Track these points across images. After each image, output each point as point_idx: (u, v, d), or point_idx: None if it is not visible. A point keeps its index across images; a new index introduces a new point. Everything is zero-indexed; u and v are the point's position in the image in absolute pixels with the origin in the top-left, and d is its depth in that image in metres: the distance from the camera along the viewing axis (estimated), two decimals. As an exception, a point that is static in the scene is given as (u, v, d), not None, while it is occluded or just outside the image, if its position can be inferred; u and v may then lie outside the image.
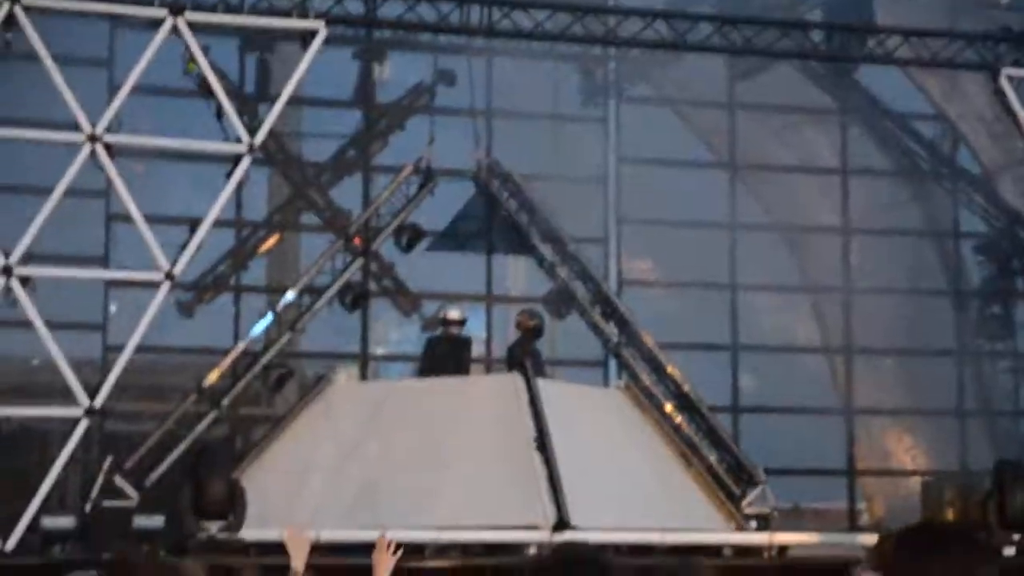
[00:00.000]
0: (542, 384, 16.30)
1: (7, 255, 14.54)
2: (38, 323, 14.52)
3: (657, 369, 18.73)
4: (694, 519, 16.58)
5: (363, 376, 20.26)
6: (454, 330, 17.54)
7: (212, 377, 17.59)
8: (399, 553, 8.14)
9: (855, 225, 22.33)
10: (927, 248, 22.72)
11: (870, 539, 17.03)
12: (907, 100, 22.40)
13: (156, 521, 14.43)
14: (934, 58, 17.83)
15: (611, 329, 19.23)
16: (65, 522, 14.89)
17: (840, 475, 21.56)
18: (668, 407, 18.26)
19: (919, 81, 22.09)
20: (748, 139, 22.19)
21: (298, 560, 7.94)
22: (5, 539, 13.91)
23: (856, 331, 21.98)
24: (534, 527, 14.81)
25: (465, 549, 14.73)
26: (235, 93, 18.74)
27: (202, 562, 9.32)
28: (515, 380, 16.21)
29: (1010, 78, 17.37)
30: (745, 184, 22.18)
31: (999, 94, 17.61)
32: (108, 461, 16.82)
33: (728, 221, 21.67)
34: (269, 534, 14.63)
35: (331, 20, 16.06)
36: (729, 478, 17.94)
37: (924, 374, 22.22)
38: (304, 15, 15.94)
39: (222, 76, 17.50)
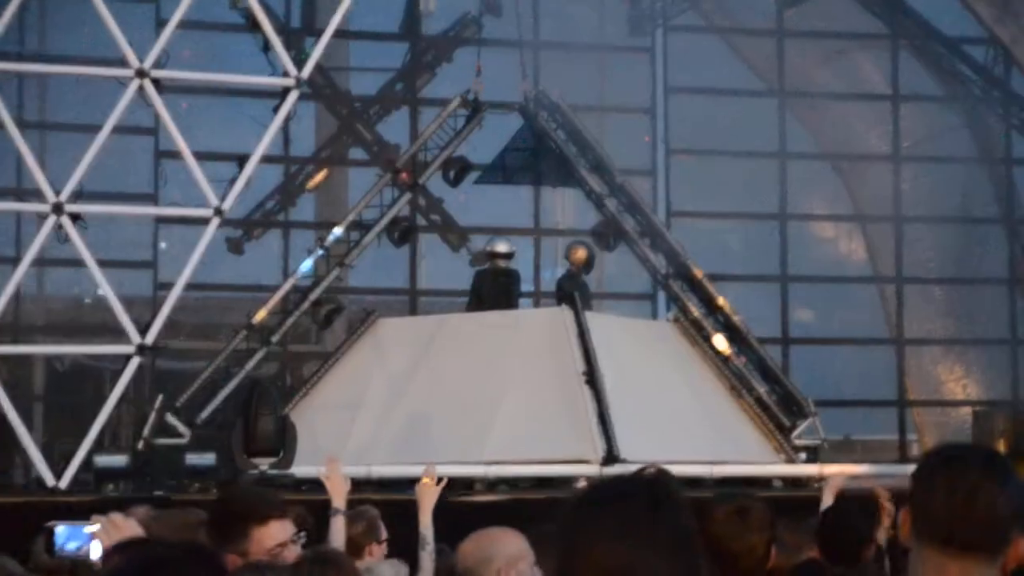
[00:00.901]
0: (591, 317, 16.28)
1: (58, 193, 14.58)
2: (89, 261, 14.57)
3: (706, 301, 18.66)
4: (744, 451, 16.58)
5: (412, 311, 20.29)
6: (502, 263, 17.50)
7: (261, 314, 17.65)
8: (442, 484, 8.17)
9: (906, 152, 22.12)
10: (979, 174, 22.48)
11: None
12: (958, 23, 22.09)
13: (208, 459, 14.52)
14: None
15: (660, 261, 19.16)
16: (118, 460, 15.01)
17: (891, 406, 21.48)
18: (717, 339, 18.20)
19: (970, 3, 21.77)
20: (796, 67, 21.97)
21: (339, 498, 7.97)
22: (59, 477, 14.04)
23: (907, 260, 21.82)
24: (584, 461, 14.85)
25: (514, 483, 14.79)
26: (281, 27, 18.70)
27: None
28: (564, 313, 16.20)
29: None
30: (794, 113, 21.98)
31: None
32: (160, 399, 16.96)
33: (777, 150, 21.52)
34: (320, 470, 14.73)
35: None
36: (779, 410, 17.91)
37: (976, 303, 22.06)
38: (349, -52, 15.84)
39: (268, 10, 17.43)
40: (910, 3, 21.76)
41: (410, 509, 8.55)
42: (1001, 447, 18.52)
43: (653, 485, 2.73)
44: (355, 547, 8.05)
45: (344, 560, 6.05)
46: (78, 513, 4.81)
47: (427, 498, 8.17)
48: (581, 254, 18.05)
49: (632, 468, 2.84)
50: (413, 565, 8.07)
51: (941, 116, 22.43)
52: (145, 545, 3.65)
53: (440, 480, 8.15)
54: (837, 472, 11.91)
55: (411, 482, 13.95)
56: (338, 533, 7.75)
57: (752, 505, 4.99)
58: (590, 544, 2.65)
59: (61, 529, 4.19)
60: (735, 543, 4.82)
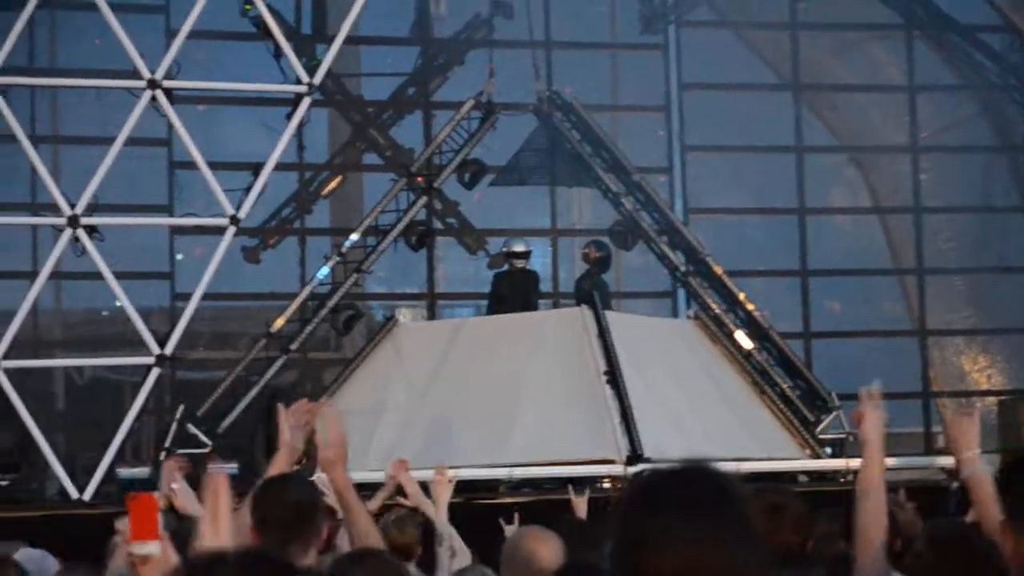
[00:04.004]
0: (611, 316, 16.20)
1: (73, 206, 14.56)
2: (106, 272, 14.57)
3: (727, 297, 18.57)
4: (768, 447, 16.48)
5: (430, 315, 20.22)
6: (519, 263, 17.43)
7: (280, 322, 17.61)
8: (454, 481, 8.27)
9: (923, 143, 22.00)
10: (997, 163, 22.35)
11: (947, 461, 16.89)
12: (972, 11, 21.97)
13: (231, 467, 14.47)
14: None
15: (679, 258, 19.07)
16: (140, 471, 15.00)
17: (915, 398, 21.36)
18: (739, 335, 18.12)
19: (985, -9, 21.68)
20: (811, 60, 21.87)
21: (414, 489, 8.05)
22: (82, 489, 14.02)
23: (927, 251, 21.70)
24: (608, 461, 14.77)
25: (539, 485, 14.71)
26: (292, 34, 18.66)
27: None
28: (583, 313, 16.12)
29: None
30: (809, 106, 21.88)
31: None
32: (180, 409, 16.92)
33: (794, 144, 21.42)
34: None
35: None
36: (803, 405, 17.82)
37: (998, 292, 21.93)
38: (359, -47, 15.79)
39: (279, 17, 17.40)
40: (924, -9, 21.67)
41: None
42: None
43: (717, 478, 2.69)
44: (407, 552, 8.03)
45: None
46: (102, 525, 4.75)
47: (442, 494, 8.20)
48: (597, 253, 17.98)
49: (663, 465, 2.79)
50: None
51: (958, 105, 22.31)
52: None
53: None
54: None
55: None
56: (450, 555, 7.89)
57: (787, 503, 4.88)
58: (662, 540, 2.61)
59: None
60: (769, 539, 4.74)
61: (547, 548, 5.48)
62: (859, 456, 14.57)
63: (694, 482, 2.68)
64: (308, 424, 5.51)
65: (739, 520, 2.65)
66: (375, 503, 8.58)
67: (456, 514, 9.43)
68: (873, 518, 4.67)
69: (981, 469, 4.59)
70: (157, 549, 3.84)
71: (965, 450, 4.59)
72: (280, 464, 5.41)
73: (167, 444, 16.35)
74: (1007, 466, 3.46)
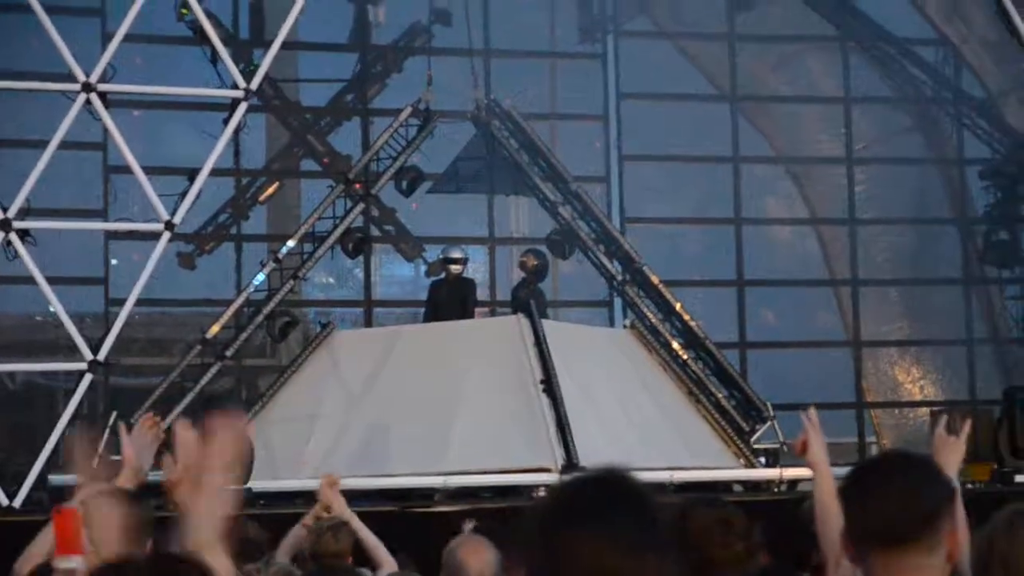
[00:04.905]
0: (547, 325, 16.21)
1: (5, 210, 14.42)
2: (39, 278, 14.44)
3: (663, 307, 18.63)
4: (703, 456, 16.54)
5: (367, 323, 20.17)
6: (455, 269, 17.41)
7: (215, 328, 17.50)
8: (338, 484, 8.40)
9: (858, 154, 22.16)
10: (931, 176, 22.54)
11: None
12: (908, 25, 22.16)
13: (164, 475, 14.34)
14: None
15: (615, 268, 19.12)
16: (72, 478, 14.82)
17: (849, 408, 21.49)
18: (675, 345, 18.18)
19: (919, 4, 21.85)
20: (749, 71, 21.98)
21: (340, 506, 8.07)
22: (12, 497, 13.87)
23: (862, 262, 21.85)
24: (544, 469, 14.77)
25: (475, 494, 14.70)
26: (229, 39, 18.57)
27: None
28: (520, 322, 16.12)
29: (1013, -1, 17.14)
30: (746, 117, 21.99)
31: (1001, 14, 17.38)
32: (113, 416, 16.76)
33: (731, 155, 21.52)
34: (277, 484, 14.61)
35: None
36: (738, 414, 17.90)
37: (931, 304, 22.11)
38: (296, -42, 15.74)
39: (216, 22, 17.32)
40: (859, 5, 21.81)
41: (366, 520, 8.51)
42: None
43: (629, 486, 2.69)
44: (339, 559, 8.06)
45: None
46: (33, 533, 4.70)
47: (334, 501, 8.27)
48: (534, 262, 18.00)
49: (574, 475, 2.80)
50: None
51: (893, 118, 22.49)
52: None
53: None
54: (803, 475, 11.93)
55: (369, 494, 13.91)
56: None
57: (734, 513, 4.97)
58: (575, 546, 2.60)
59: None
60: (720, 551, 4.79)
61: (478, 558, 5.57)
62: (793, 466, 14.57)
63: (606, 490, 2.68)
64: (156, 441, 5.28)
65: (651, 527, 2.65)
66: (309, 519, 8.60)
67: (391, 522, 9.42)
68: (835, 534, 4.80)
69: (954, 486, 4.66)
70: (82, 564, 3.80)
71: (946, 467, 4.67)
72: (124, 483, 5.14)
73: (99, 451, 16.18)
74: (852, 474, 3.58)
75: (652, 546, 2.63)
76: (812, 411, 5.08)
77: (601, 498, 2.66)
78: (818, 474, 5.00)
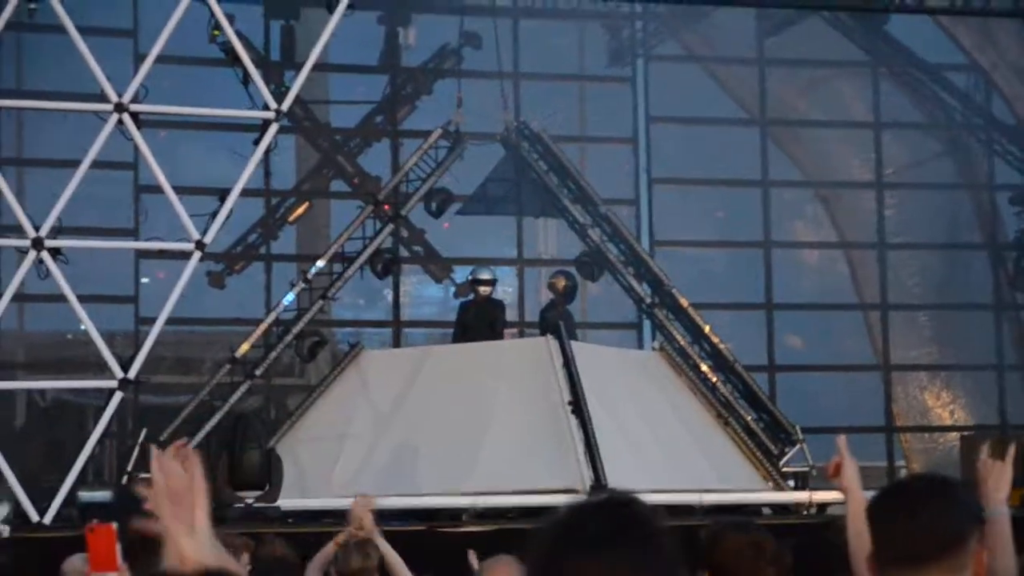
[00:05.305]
0: (576, 347, 16.20)
1: (37, 228, 14.49)
2: (70, 296, 14.46)
3: (692, 330, 18.60)
4: (732, 479, 16.49)
5: (395, 343, 20.19)
6: (484, 290, 17.41)
7: (244, 347, 17.54)
8: (372, 503, 8.40)
9: (888, 179, 22.13)
10: (962, 201, 22.49)
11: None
12: (939, 51, 22.14)
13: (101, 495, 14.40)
14: (966, 5, 17.58)
15: (644, 290, 19.10)
16: (102, 495, 14.88)
17: (878, 432, 21.42)
18: (704, 368, 18.14)
19: (951, 31, 21.82)
20: (778, 95, 21.99)
21: (370, 526, 8.09)
22: (43, 513, 13.90)
23: (892, 287, 21.81)
24: (571, 491, 14.74)
25: (502, 514, 14.68)
26: (261, 60, 18.66)
27: (237, 531, 9.31)
28: (549, 343, 16.11)
29: (1044, 25, 17.10)
30: (776, 141, 21.98)
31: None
32: (143, 434, 16.82)
33: (760, 179, 21.51)
34: (306, 503, 14.63)
35: (356, -16, 15.89)
36: (767, 437, 17.84)
37: (961, 329, 22.04)
38: (330, -21, 15.79)
39: (247, 43, 17.39)
40: (890, 31, 21.79)
41: (394, 539, 8.52)
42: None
43: (635, 510, 2.68)
44: None
45: None
46: (62, 549, 4.72)
47: (365, 519, 8.29)
48: (564, 283, 17.99)
49: (580, 499, 2.79)
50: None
51: (923, 143, 22.46)
52: None
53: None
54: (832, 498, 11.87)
55: (397, 513, 13.91)
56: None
57: (765, 537, 4.97)
58: (583, 573, 2.60)
59: None
60: (750, 574, 4.79)
61: None
62: (822, 489, 14.50)
63: (613, 516, 2.66)
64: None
65: (659, 553, 2.63)
66: (341, 537, 8.61)
67: (419, 542, 9.40)
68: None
69: (1003, 512, 4.66)
70: None
71: (995, 492, 4.66)
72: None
73: (129, 468, 16.25)
74: (879, 496, 3.63)
75: (657, 572, 2.62)
76: (842, 439, 5.10)
77: (608, 524, 2.65)
78: (851, 498, 5.02)
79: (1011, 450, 5.03)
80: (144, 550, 5.93)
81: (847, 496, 5.01)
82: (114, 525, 4.04)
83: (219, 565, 3.24)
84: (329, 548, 8.62)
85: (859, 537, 4.84)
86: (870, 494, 3.74)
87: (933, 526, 3.41)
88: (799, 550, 6.85)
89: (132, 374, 14.52)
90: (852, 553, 4.90)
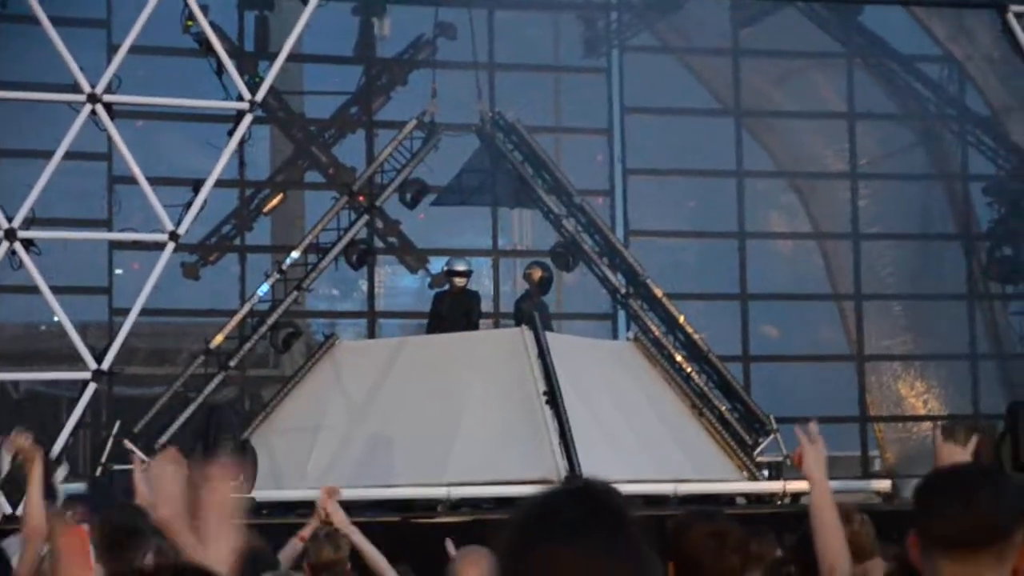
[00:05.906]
0: (551, 337, 16.21)
1: (10, 219, 14.44)
2: (43, 287, 14.43)
3: (667, 320, 18.64)
4: (706, 469, 16.54)
5: (370, 334, 20.18)
6: (460, 281, 17.41)
7: (219, 338, 17.51)
8: (338, 494, 8.37)
9: (862, 170, 22.19)
10: (936, 191, 22.56)
11: (883, 485, 17.03)
12: (913, 42, 22.19)
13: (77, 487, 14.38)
14: (939, -3, 17.58)
15: (619, 281, 19.12)
16: (76, 487, 14.85)
17: (852, 422, 21.50)
18: (678, 358, 18.18)
19: (925, 22, 21.87)
20: (753, 86, 22.02)
21: (340, 518, 8.05)
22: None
23: (865, 277, 21.87)
24: (546, 481, 14.75)
25: (477, 505, 14.70)
26: (235, 51, 18.60)
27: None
28: (524, 334, 16.12)
29: (1017, 16, 17.13)
30: (750, 132, 22.02)
31: (1006, 32, 17.39)
32: (117, 425, 16.78)
33: (734, 169, 21.54)
34: (281, 494, 14.62)
35: (329, -25, 15.88)
36: (741, 427, 17.89)
37: (935, 319, 22.12)
38: (303, -30, 15.76)
39: (221, 34, 17.34)
40: (864, 22, 21.83)
41: (369, 531, 8.51)
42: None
43: (601, 495, 2.68)
44: (338, 569, 8.03)
45: None
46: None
47: (335, 514, 8.26)
48: (540, 274, 18.00)
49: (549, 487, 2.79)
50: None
51: (897, 134, 22.51)
52: None
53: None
54: (804, 487, 11.92)
55: (372, 505, 13.90)
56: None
57: (729, 526, 4.99)
58: (553, 560, 2.58)
59: None
60: (715, 563, 4.81)
61: (475, 570, 5.58)
62: (796, 479, 14.54)
63: (583, 504, 2.65)
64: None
65: (630, 540, 2.63)
66: (306, 531, 8.59)
67: (394, 533, 9.40)
68: (832, 549, 4.94)
69: None
70: None
71: None
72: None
73: (103, 459, 16.21)
74: (931, 480, 3.66)
75: (630, 559, 2.61)
76: (813, 424, 5.13)
77: (582, 511, 2.63)
78: (814, 485, 5.05)
79: (973, 439, 5.09)
80: (122, 542, 5.94)
81: (811, 484, 5.05)
82: (85, 527, 4.02)
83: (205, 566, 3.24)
84: (294, 542, 8.59)
85: (821, 523, 4.88)
86: (840, 483, 3.77)
87: (987, 515, 3.45)
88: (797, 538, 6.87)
89: (106, 365, 14.49)
90: (816, 540, 4.93)
